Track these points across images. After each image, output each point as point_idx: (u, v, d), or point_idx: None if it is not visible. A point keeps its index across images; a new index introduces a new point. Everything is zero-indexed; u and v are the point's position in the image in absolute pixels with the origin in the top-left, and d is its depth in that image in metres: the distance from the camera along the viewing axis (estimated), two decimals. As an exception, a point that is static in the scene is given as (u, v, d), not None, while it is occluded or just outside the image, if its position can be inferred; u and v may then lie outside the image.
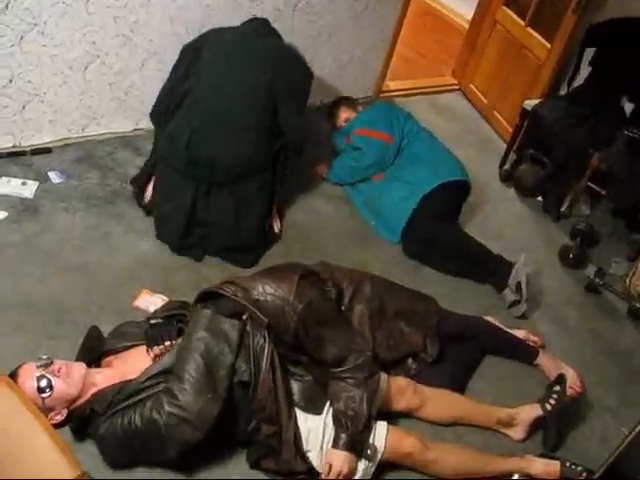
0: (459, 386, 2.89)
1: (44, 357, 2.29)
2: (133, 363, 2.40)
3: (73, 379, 2.31)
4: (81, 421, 2.31)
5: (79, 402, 2.33)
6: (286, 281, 2.55)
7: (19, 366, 2.31)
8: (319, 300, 2.57)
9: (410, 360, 2.85)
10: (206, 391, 2.20)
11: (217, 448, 2.40)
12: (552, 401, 2.72)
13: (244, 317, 2.42)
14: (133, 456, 2.31)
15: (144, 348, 2.46)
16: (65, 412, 2.32)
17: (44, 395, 2.24)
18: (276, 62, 3.32)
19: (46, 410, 2.25)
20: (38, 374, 2.26)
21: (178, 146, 3.20)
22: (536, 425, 2.78)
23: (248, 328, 2.38)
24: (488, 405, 2.81)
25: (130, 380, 2.31)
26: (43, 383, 2.24)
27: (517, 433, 2.78)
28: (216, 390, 2.23)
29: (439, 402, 2.73)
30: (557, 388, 2.75)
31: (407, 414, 2.70)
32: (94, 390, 2.34)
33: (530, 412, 2.75)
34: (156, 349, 2.41)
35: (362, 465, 2.39)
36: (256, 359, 2.34)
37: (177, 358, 2.27)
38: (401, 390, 2.64)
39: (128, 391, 2.27)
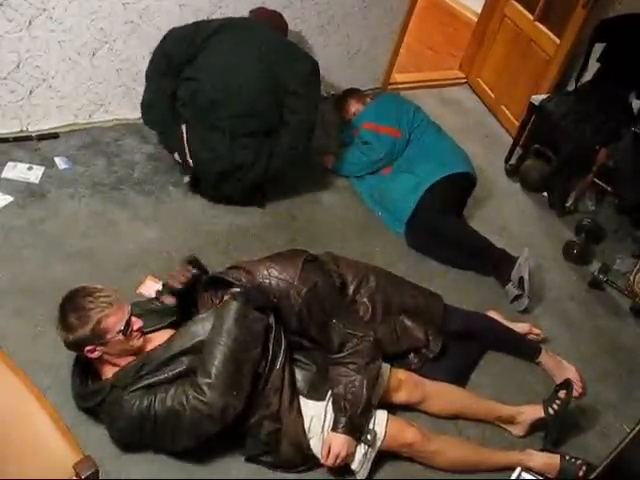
0: (460, 381, 2.89)
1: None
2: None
3: (136, 345, 2.32)
4: (100, 399, 2.29)
5: (113, 360, 2.31)
6: (291, 265, 2.58)
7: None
8: (323, 284, 2.60)
9: (412, 355, 2.85)
10: (232, 388, 2.20)
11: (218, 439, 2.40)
12: (555, 406, 2.69)
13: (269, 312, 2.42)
14: (141, 438, 2.31)
15: (168, 332, 2.45)
16: (99, 354, 2.26)
17: (120, 331, 2.22)
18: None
19: (95, 335, 2.19)
20: (129, 315, 2.27)
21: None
22: (537, 425, 2.77)
23: (272, 323, 2.38)
24: (491, 401, 2.81)
25: (148, 355, 2.30)
26: (126, 326, 2.25)
27: (517, 430, 2.78)
28: (242, 386, 2.23)
29: (441, 397, 2.74)
30: (562, 394, 2.72)
31: (408, 407, 2.70)
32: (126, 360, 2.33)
33: (532, 414, 2.74)
34: None
35: (361, 450, 2.40)
36: (272, 357, 2.35)
37: (205, 350, 2.24)
38: (401, 383, 2.64)
39: (148, 369, 2.25)
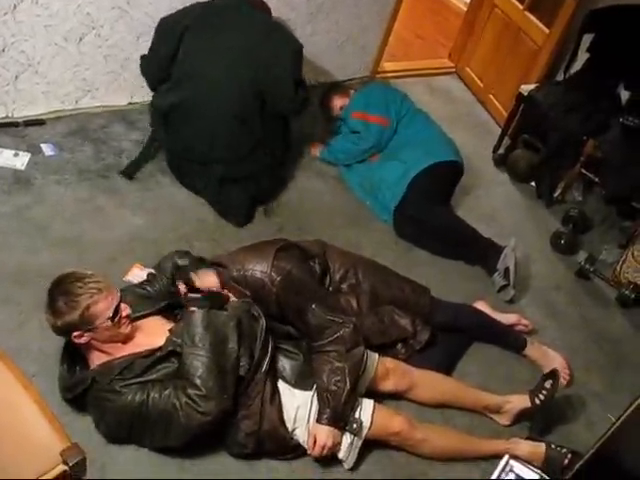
0: (446, 370, 2.90)
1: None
2: (148, 334, 2.39)
3: (124, 332, 2.32)
4: (82, 390, 2.28)
5: (101, 347, 2.30)
6: (264, 255, 2.65)
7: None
8: (297, 271, 2.65)
9: (399, 345, 2.85)
10: (222, 392, 2.22)
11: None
12: (542, 396, 2.70)
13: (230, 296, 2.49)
14: (128, 434, 2.31)
15: (157, 319, 2.46)
16: (86, 340, 2.24)
17: (109, 318, 2.21)
18: (262, 42, 3.32)
19: (84, 320, 2.18)
20: (119, 302, 2.26)
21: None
22: (523, 415, 2.78)
23: (262, 327, 2.41)
24: (478, 390, 2.82)
25: (136, 354, 2.29)
26: (115, 313, 2.23)
27: (503, 420, 2.79)
28: (229, 386, 2.25)
29: (428, 385, 2.75)
30: (548, 385, 2.73)
31: (396, 395, 2.71)
32: (115, 349, 2.32)
33: (519, 403, 2.75)
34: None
35: (347, 439, 2.41)
36: (257, 362, 2.36)
37: (185, 365, 2.23)
38: (389, 371, 2.65)
39: (138, 368, 2.25)
